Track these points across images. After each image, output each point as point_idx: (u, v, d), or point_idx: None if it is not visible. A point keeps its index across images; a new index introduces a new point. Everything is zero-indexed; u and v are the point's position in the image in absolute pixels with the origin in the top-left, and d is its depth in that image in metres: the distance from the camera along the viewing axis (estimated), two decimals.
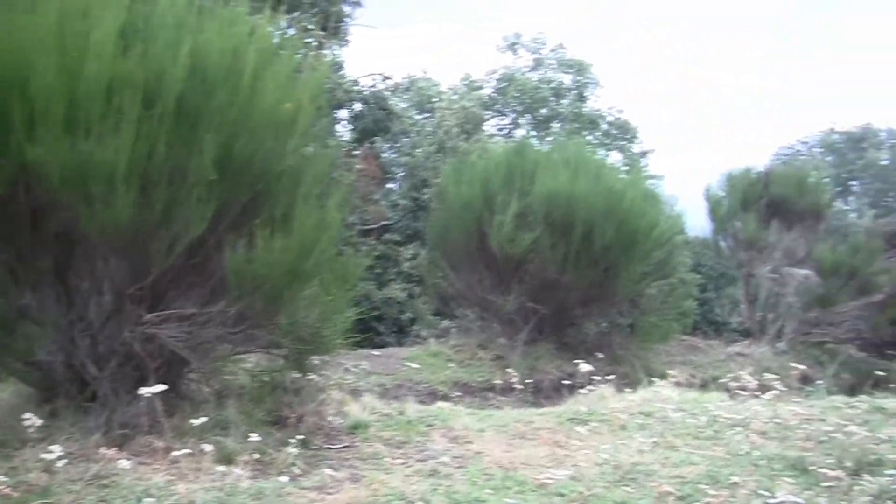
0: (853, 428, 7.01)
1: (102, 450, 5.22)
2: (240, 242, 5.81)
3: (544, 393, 10.05)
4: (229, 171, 5.83)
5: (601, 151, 36.50)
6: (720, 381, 10.05)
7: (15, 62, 5.38)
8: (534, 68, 39.62)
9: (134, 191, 5.41)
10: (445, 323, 17.06)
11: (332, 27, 21.09)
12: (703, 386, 10.88)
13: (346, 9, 23.02)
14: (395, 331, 22.10)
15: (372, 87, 25.00)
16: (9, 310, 5.79)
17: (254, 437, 5.64)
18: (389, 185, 27.49)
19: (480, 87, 37.51)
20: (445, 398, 9.33)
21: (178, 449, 5.36)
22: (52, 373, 6.03)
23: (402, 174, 26.28)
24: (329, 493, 5.33)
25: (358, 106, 24.32)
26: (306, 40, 17.06)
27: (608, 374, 9.14)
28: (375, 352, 11.10)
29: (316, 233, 5.91)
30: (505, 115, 38.73)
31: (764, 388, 8.76)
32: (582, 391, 8.42)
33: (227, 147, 5.78)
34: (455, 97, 31.23)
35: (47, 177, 5.34)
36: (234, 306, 5.90)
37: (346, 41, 23.38)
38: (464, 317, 12.79)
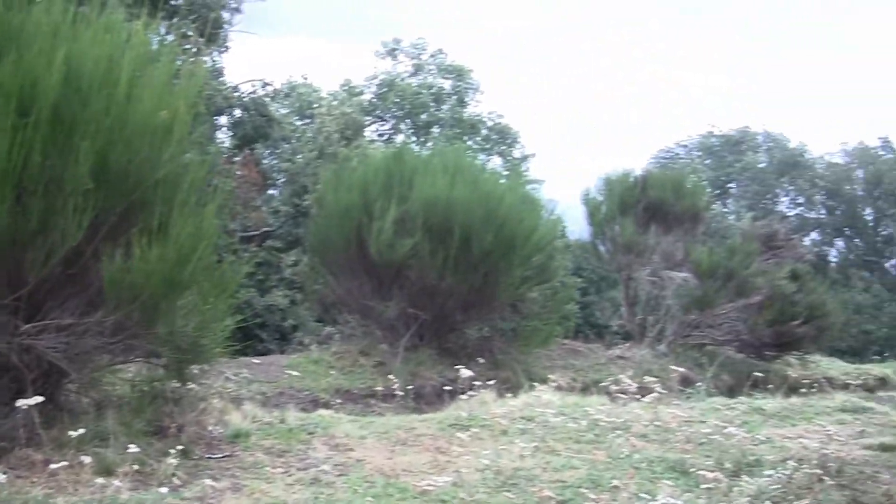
0: (732, 429, 7.18)
1: None
2: (117, 252, 5.74)
3: (426, 399, 10.07)
4: (106, 180, 5.77)
5: (481, 156, 36.80)
6: (601, 384, 10.17)
7: None
8: (413, 74, 39.72)
9: (8, 200, 5.34)
10: (328, 329, 17.02)
11: (212, 33, 20.89)
12: (585, 390, 11.00)
13: (226, 15, 22.82)
14: (278, 338, 21.97)
15: (252, 93, 24.83)
16: None
17: (133, 448, 5.57)
18: (271, 192, 27.33)
19: (361, 93, 37.48)
20: (327, 405, 9.31)
21: (57, 461, 5.28)
22: None
23: (283, 180, 26.17)
24: None
25: (238, 112, 24.14)
26: (185, 47, 16.88)
27: (489, 380, 9.22)
28: (256, 360, 11.02)
29: (193, 241, 5.88)
30: (385, 120, 38.78)
31: (644, 390, 8.92)
32: (463, 397, 8.46)
33: (103, 155, 5.72)
34: (335, 103, 31.13)
35: None
36: (112, 316, 5.84)
37: (227, 47, 23.18)
38: (345, 323, 12.76)
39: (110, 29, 6.16)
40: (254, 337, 21.40)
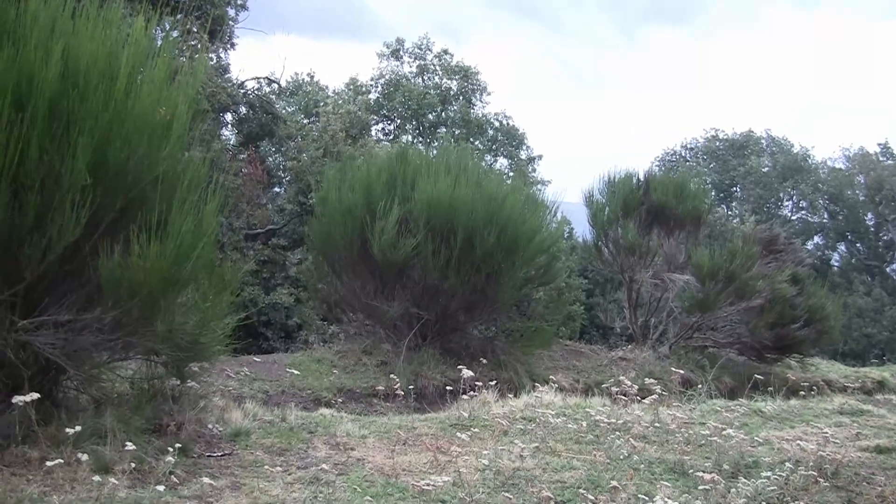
0: (731, 431, 7.15)
1: None
2: (116, 248, 5.70)
3: (428, 399, 10.02)
4: (104, 176, 5.74)
5: (488, 157, 36.84)
6: (603, 385, 10.15)
7: None
8: (418, 74, 39.70)
9: (4, 195, 5.29)
10: (333, 328, 16.97)
11: (215, 30, 20.90)
12: (586, 391, 10.98)
13: (231, 12, 22.85)
14: (283, 336, 22.00)
15: (257, 90, 24.85)
16: None
17: (131, 445, 5.53)
18: (276, 190, 27.34)
19: (367, 92, 37.47)
20: (329, 405, 9.27)
21: (53, 459, 5.23)
22: None
23: (288, 178, 26.15)
24: (208, 502, 5.27)
25: (243, 109, 24.16)
26: (190, 43, 16.87)
27: (491, 380, 9.18)
28: (257, 358, 10.96)
29: (193, 238, 5.84)
30: (392, 120, 38.77)
31: (645, 392, 8.88)
32: (465, 397, 8.42)
33: (101, 151, 5.69)
34: (341, 102, 31.13)
35: None
36: (111, 313, 5.81)
37: (232, 45, 23.22)
38: (349, 322, 12.71)
39: (109, 24, 6.12)
40: (258, 335, 21.44)
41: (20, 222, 5.46)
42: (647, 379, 9.89)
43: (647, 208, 15.42)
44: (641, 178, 15.99)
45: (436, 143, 35.41)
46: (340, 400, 9.74)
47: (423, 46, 39.87)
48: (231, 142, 25.27)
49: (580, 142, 75.90)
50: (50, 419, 5.81)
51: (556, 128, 72.87)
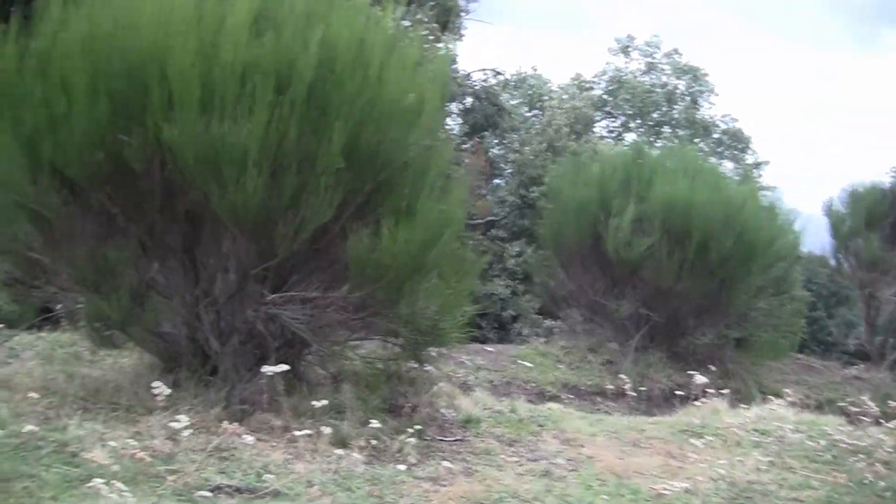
0: None
1: (224, 423, 5.27)
2: (364, 231, 5.82)
3: (654, 402, 9.89)
4: (356, 160, 5.86)
5: (712, 159, 36.14)
6: (836, 404, 9.78)
7: (154, 45, 5.50)
8: (646, 72, 39.16)
9: (264, 174, 5.48)
10: (549, 323, 16.96)
11: (448, 21, 21.11)
12: (819, 408, 10.59)
13: (462, 3, 23.05)
14: (496, 327, 22.06)
15: (484, 81, 24.99)
16: (138, 282, 5.93)
17: (373, 423, 5.66)
18: (497, 181, 27.45)
19: (591, 88, 37.18)
20: (554, 399, 9.27)
21: (297, 429, 5.45)
22: (175, 345, 6.22)
23: (509, 171, 26.20)
24: (443, 485, 5.34)
25: (469, 100, 24.34)
26: (422, 33, 17.10)
27: (721, 388, 8.98)
28: (489, 347, 11.09)
29: (439, 226, 5.92)
30: (615, 117, 38.36)
31: (887, 415, 8.49)
32: (695, 403, 8.26)
33: (354, 136, 5.80)
34: (565, 96, 31.01)
35: (181, 156, 5.46)
36: (356, 293, 5.95)
37: (461, 35, 23.41)
38: (569, 318, 12.67)
39: (360, 12, 6.25)
40: (473, 325, 21.56)
41: (276, 202, 5.64)
42: (887, 401, 9.49)
43: (891, 222, 14.79)
44: (887, 188, 15.33)
45: (659, 143, 34.96)
46: (567, 396, 9.72)
47: (652, 44, 39.36)
48: (455, 131, 25.49)
49: (807, 148, 73.48)
50: (292, 391, 6.01)
51: (779, 133, 70.82)
